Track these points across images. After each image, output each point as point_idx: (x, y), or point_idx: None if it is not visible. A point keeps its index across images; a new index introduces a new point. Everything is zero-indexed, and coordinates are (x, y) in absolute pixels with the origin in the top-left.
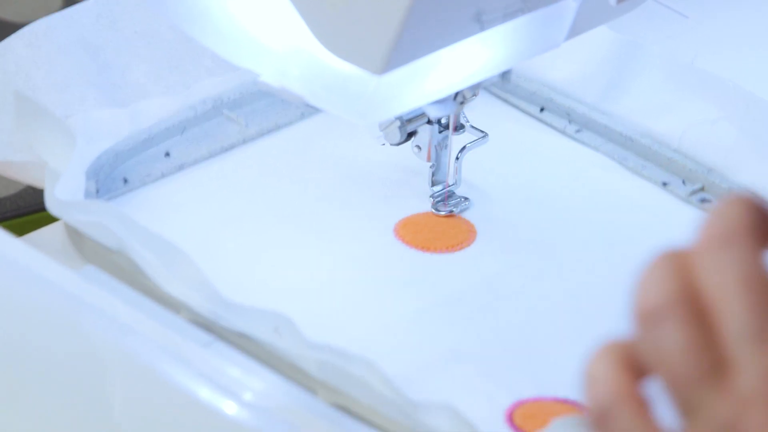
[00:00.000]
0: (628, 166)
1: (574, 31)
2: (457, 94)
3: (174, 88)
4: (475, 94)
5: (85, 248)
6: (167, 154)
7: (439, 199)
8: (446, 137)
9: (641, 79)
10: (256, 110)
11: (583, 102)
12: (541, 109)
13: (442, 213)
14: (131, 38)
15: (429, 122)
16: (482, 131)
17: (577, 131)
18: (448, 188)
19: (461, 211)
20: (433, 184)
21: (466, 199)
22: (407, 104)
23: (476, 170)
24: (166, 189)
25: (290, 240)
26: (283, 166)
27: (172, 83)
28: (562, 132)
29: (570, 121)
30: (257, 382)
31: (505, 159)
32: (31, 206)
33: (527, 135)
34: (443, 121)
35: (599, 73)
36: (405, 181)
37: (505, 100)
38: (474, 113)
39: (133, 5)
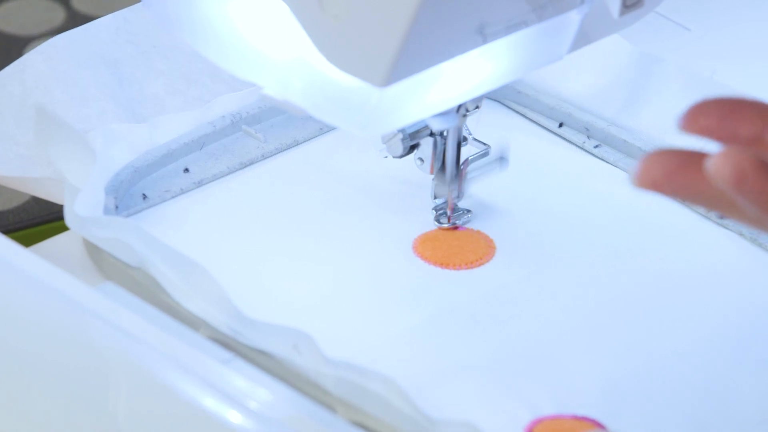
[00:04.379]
0: None
1: (577, 44)
2: (460, 106)
3: (192, 102)
4: (477, 107)
5: (104, 264)
6: (186, 170)
7: (441, 211)
8: (449, 150)
9: (660, 94)
10: (275, 125)
11: (602, 117)
12: (560, 125)
13: (445, 226)
14: (150, 52)
15: (432, 135)
16: (485, 144)
17: (596, 146)
18: (450, 201)
19: (464, 223)
20: (436, 196)
21: (468, 211)
22: (410, 117)
23: (495, 185)
24: (185, 205)
25: (310, 256)
26: (302, 181)
27: (190, 98)
28: (581, 147)
29: (589, 137)
30: (275, 399)
31: (524, 174)
32: (34, 219)
33: (546, 150)
34: (446, 133)
35: (618, 87)
36: (425, 196)
37: (524, 115)
38: (492, 128)
39: (152, 20)
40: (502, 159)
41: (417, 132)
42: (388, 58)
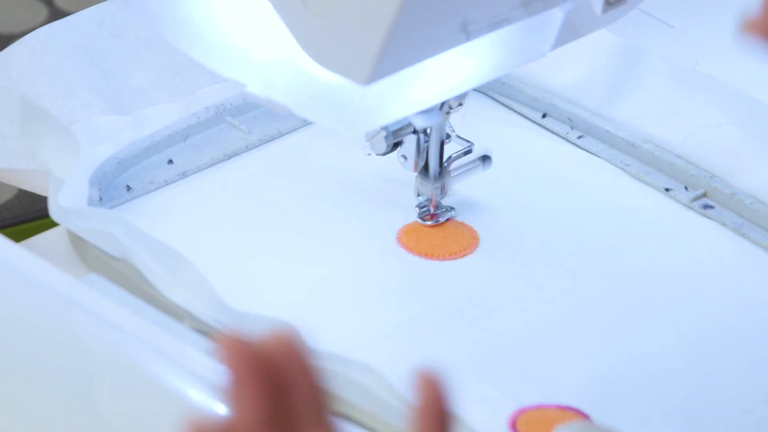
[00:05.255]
0: (630, 172)
1: (560, 41)
2: (443, 104)
3: (177, 94)
4: (461, 104)
5: (88, 256)
6: (170, 162)
7: (424, 209)
8: (432, 147)
9: (644, 85)
10: (259, 117)
11: (586, 108)
12: (544, 115)
13: (428, 223)
14: (134, 44)
15: (415, 132)
16: (468, 141)
17: (580, 137)
18: (433, 198)
19: (446, 220)
20: (419, 194)
21: (451, 209)
22: (393, 114)
23: (479, 177)
24: (169, 196)
25: (293, 247)
26: (286, 173)
27: (174, 89)
28: (565, 138)
29: (572, 127)
30: None
31: (508, 165)
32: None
33: (530, 141)
34: (429, 131)
35: (601, 78)
36: (409, 192)
37: (508, 107)
38: (476, 119)
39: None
40: (485, 158)
41: (400, 129)
42: (372, 55)
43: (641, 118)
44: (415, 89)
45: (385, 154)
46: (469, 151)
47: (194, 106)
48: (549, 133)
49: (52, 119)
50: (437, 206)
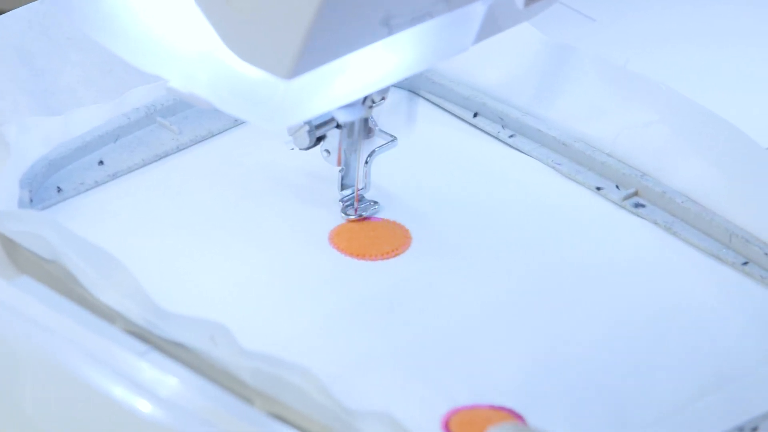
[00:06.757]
0: (561, 171)
1: (483, 35)
2: (366, 98)
3: (107, 93)
4: (383, 98)
5: (19, 258)
6: (101, 163)
7: (348, 203)
8: (355, 142)
9: (574, 83)
10: (190, 117)
11: (517, 107)
12: (475, 114)
13: (352, 217)
14: (64, 44)
15: (338, 126)
16: (391, 135)
17: (511, 136)
18: (357, 192)
19: (372, 214)
20: (343, 188)
21: (375, 203)
22: (316, 109)
23: (411, 176)
24: (100, 197)
25: (225, 247)
26: (217, 174)
27: (104, 89)
28: (496, 137)
29: (503, 126)
30: (188, 389)
31: (440, 164)
32: None
33: (461, 140)
34: (352, 125)
35: (532, 77)
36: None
37: (439, 105)
38: (406, 118)
39: (58, 14)
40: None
41: (323, 124)
42: (294, 50)
43: (572, 117)
44: (337, 84)
45: (308, 148)
46: (393, 145)
47: (124, 107)
48: (480, 132)
49: None
50: (360, 200)
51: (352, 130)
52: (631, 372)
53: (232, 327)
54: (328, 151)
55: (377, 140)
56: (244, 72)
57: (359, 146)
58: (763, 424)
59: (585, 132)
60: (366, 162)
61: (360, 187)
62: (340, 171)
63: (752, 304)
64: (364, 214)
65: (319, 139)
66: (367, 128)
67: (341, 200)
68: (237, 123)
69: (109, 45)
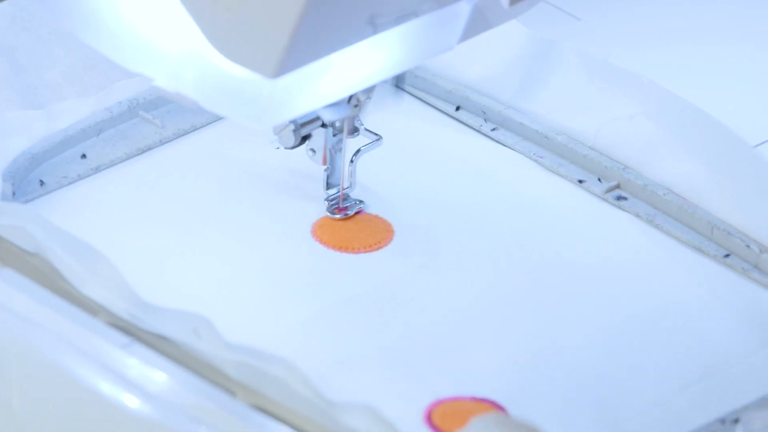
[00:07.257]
0: (544, 164)
1: (468, 34)
2: (351, 97)
3: (90, 88)
4: (369, 97)
5: (2, 251)
6: (84, 156)
7: (333, 202)
8: (340, 141)
9: (556, 77)
10: (173, 111)
11: (499, 100)
12: (457, 108)
13: (337, 216)
14: (47, 39)
15: (323, 126)
16: (377, 134)
17: (493, 129)
18: (342, 191)
19: (356, 212)
20: (328, 187)
21: (360, 201)
22: (301, 108)
23: (394, 170)
24: (82, 191)
25: (208, 241)
26: (200, 167)
27: (87, 84)
28: (478, 130)
29: (486, 120)
30: (173, 382)
31: (422, 158)
32: None
33: (444, 133)
34: (337, 124)
35: (514, 70)
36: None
37: (421, 99)
38: (389, 113)
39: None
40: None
41: (308, 123)
42: (279, 49)
43: (554, 111)
44: (323, 82)
45: (293, 147)
46: (378, 144)
47: (107, 101)
48: (463, 126)
49: None
50: (345, 199)
51: (338, 129)
52: (613, 365)
53: (214, 320)
54: (313, 150)
55: (362, 139)
56: (230, 71)
57: (344, 145)
58: (745, 415)
59: (567, 125)
60: (351, 161)
61: (345, 186)
62: (325, 170)
63: (733, 297)
64: (350, 213)
65: (305, 138)
66: (352, 127)
67: (326, 199)
68: (220, 117)
69: (93, 43)
